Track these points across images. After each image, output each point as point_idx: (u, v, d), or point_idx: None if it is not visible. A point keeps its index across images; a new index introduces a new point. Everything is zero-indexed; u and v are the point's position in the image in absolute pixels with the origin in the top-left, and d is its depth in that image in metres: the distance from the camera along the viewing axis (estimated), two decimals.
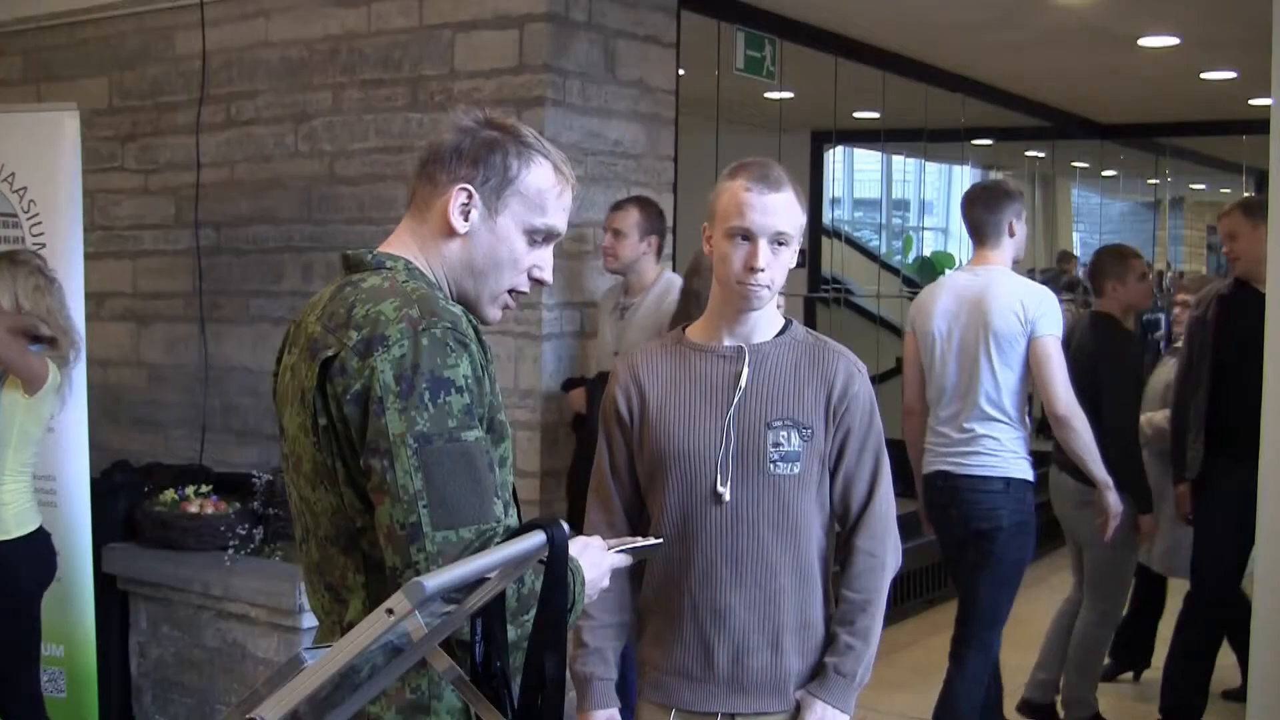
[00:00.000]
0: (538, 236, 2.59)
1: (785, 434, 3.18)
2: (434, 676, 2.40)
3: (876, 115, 11.38)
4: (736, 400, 3.20)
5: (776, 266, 3.16)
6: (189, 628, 5.88)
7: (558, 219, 2.61)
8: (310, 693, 1.93)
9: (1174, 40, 8.92)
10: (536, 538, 2.22)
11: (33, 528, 5.24)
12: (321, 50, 6.66)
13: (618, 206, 6.01)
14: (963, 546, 5.62)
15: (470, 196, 2.53)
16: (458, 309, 2.45)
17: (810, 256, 12.72)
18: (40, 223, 5.94)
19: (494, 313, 2.62)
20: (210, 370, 7.03)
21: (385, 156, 6.46)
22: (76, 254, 5.79)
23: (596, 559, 2.55)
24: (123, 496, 6.25)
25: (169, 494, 6.11)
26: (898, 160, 14.64)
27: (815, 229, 12.95)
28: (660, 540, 2.96)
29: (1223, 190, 19.04)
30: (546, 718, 2.31)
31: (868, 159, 14.64)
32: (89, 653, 5.74)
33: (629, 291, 6.05)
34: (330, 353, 2.37)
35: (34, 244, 5.83)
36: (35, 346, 5.20)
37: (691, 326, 3.38)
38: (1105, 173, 16.00)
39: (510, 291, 2.61)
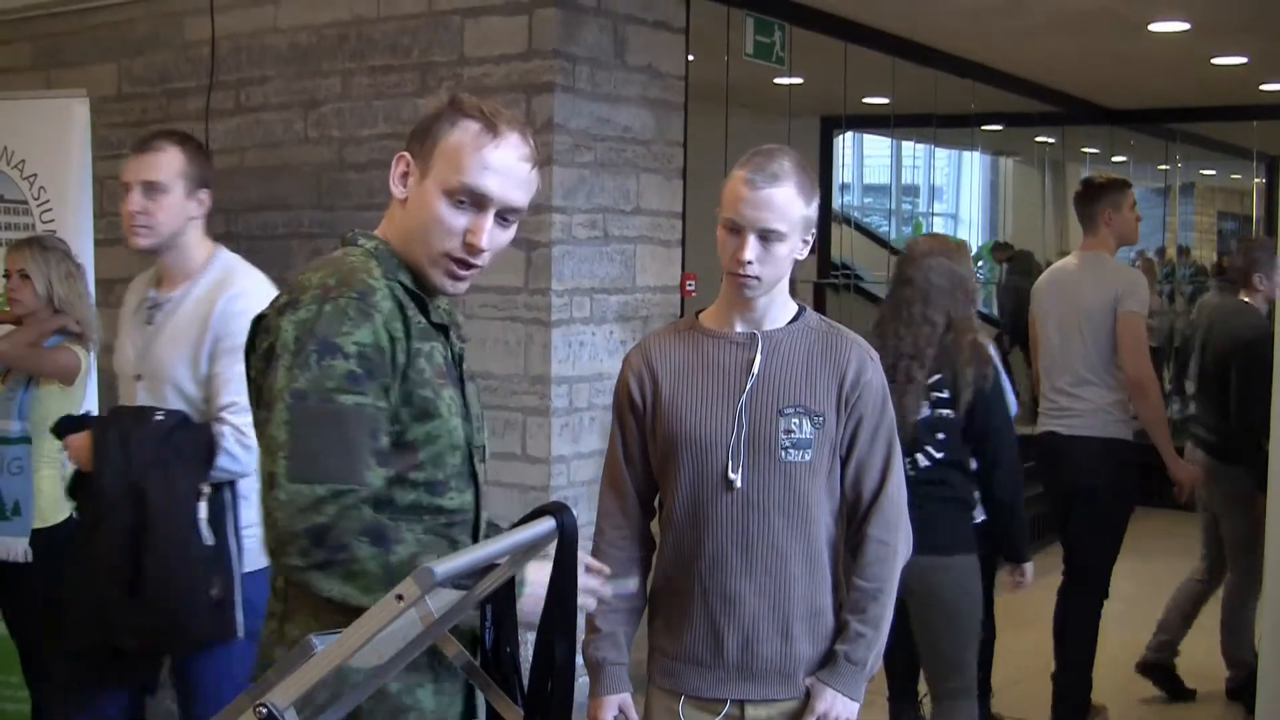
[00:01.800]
0: (460, 197, 2.57)
1: (797, 421, 3.18)
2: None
3: (886, 101, 11.38)
4: (749, 387, 3.20)
5: (767, 260, 3.14)
6: None
7: (479, 178, 2.57)
8: (319, 680, 1.93)
9: (1184, 25, 8.90)
10: (546, 524, 2.22)
11: (66, 514, 5.29)
12: (330, 36, 6.66)
13: (146, 146, 4.36)
14: (1069, 499, 6.28)
15: (408, 164, 2.62)
16: (380, 284, 2.50)
17: (820, 242, 12.73)
18: (50, 209, 5.95)
19: (440, 279, 2.62)
20: None
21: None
22: (86, 240, 5.80)
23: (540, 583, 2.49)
24: None
25: None
26: (907, 146, 14.65)
27: (825, 215, 12.95)
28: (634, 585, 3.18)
29: (1233, 176, 19.02)
30: (556, 703, 2.32)
31: (877, 145, 14.66)
32: None
33: (164, 281, 4.42)
34: (264, 312, 2.53)
35: (45, 230, 5.83)
36: (56, 338, 5.22)
37: (705, 312, 3.39)
38: (1115, 158, 15.96)
39: (456, 261, 2.60)
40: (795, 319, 3.30)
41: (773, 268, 3.16)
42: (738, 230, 3.13)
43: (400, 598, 1.92)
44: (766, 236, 3.12)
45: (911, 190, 15.49)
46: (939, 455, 4.92)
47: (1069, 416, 6.25)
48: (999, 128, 13.79)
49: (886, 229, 14.60)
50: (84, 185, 5.94)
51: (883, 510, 3.29)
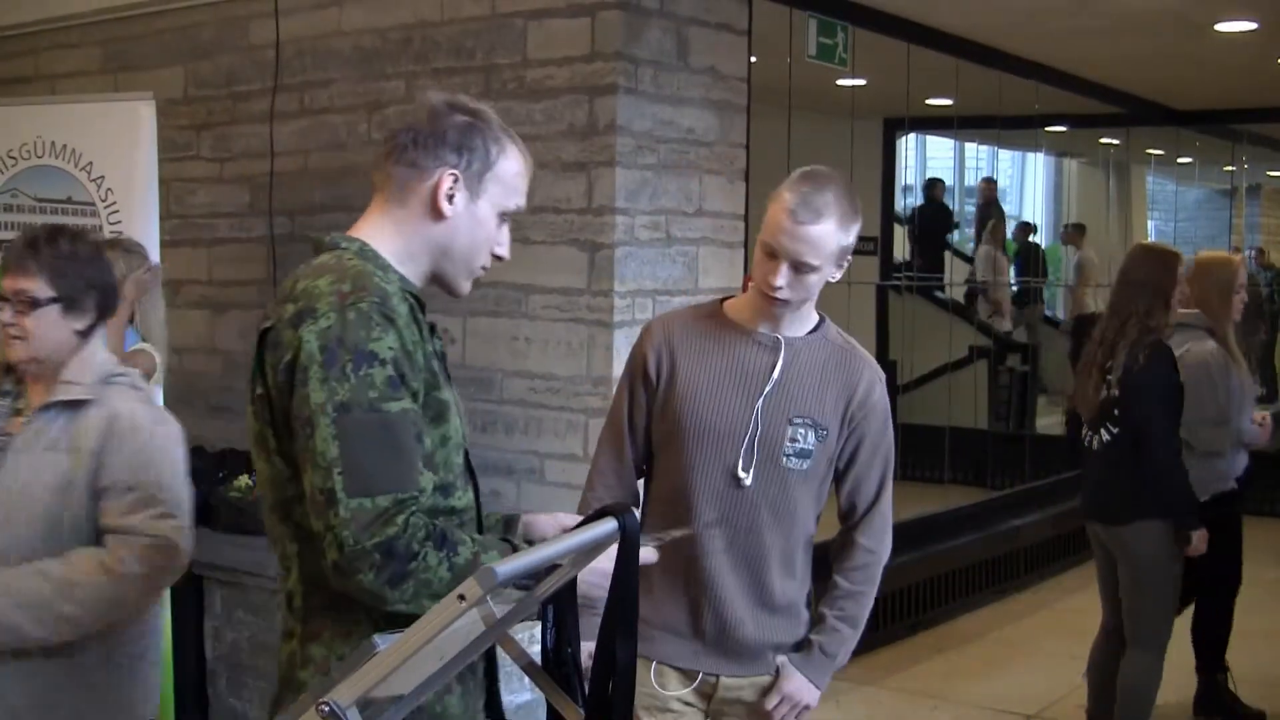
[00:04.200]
0: (506, 217, 2.66)
1: (804, 431, 3.32)
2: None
3: (950, 102, 11.32)
4: (767, 390, 3.30)
5: (798, 286, 3.25)
6: (263, 612, 5.92)
7: (523, 201, 2.69)
8: (382, 677, 1.94)
9: (1251, 25, 8.81)
10: (608, 525, 2.23)
11: None
12: (394, 39, 6.69)
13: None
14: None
15: (456, 181, 2.58)
16: (393, 287, 2.49)
17: (882, 245, 12.69)
18: (117, 211, 5.99)
19: (467, 286, 2.68)
20: None
21: None
22: (153, 242, 5.84)
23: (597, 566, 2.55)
24: (198, 482, 6.25)
25: (243, 480, 6.16)
26: (970, 147, 14.56)
27: (888, 217, 12.90)
28: (689, 532, 3.18)
29: None
30: (617, 703, 2.32)
31: (941, 146, 14.58)
32: (165, 637, 5.78)
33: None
34: (267, 324, 2.46)
35: (111, 232, 5.88)
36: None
37: (730, 303, 3.47)
38: (1181, 159, 15.85)
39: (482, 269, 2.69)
40: (815, 329, 3.40)
41: (803, 292, 3.27)
42: (774, 255, 3.22)
43: (462, 598, 1.93)
44: (800, 268, 3.22)
45: (972, 191, 15.40)
46: (1115, 430, 5.64)
47: None
48: (1063, 129, 13.69)
49: (949, 232, 14.51)
50: (150, 187, 5.98)
51: (874, 522, 3.49)
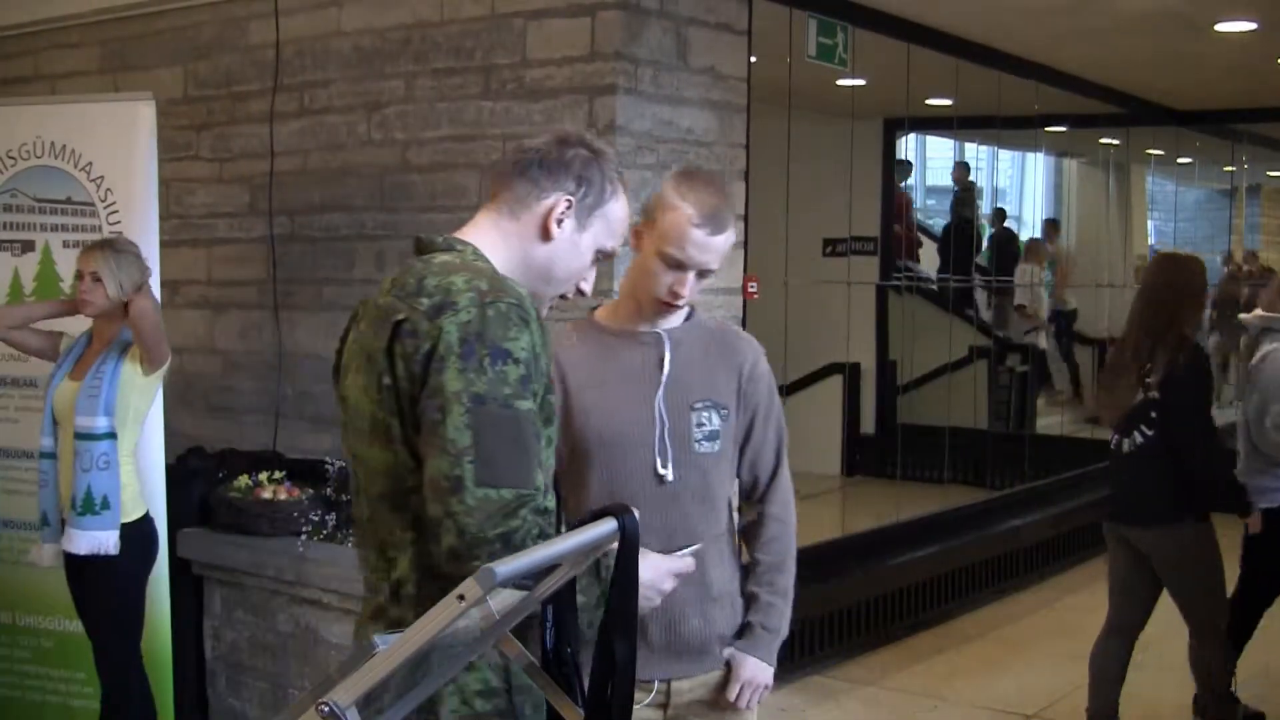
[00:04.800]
0: (600, 256, 2.77)
1: (707, 414, 3.37)
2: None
3: (949, 102, 11.32)
4: (663, 384, 3.35)
5: (695, 289, 3.33)
6: (262, 612, 5.93)
7: (619, 246, 2.82)
8: (383, 678, 1.94)
9: (1251, 25, 8.81)
10: (608, 525, 2.23)
11: (145, 510, 5.46)
12: (394, 39, 6.69)
13: None
14: None
15: (569, 207, 2.68)
16: (523, 290, 2.55)
17: (882, 245, 12.68)
18: (117, 211, 6.00)
19: (545, 310, 2.74)
20: (283, 357, 7.07)
21: (457, 145, 6.47)
22: (152, 242, 5.84)
23: (655, 561, 2.71)
24: (197, 482, 6.31)
25: (243, 480, 6.16)
26: (970, 148, 14.56)
27: (887, 217, 12.90)
28: (699, 546, 3.17)
29: None
30: (616, 704, 2.33)
31: (940, 146, 14.58)
32: (164, 637, 5.80)
33: None
34: (400, 316, 2.49)
35: (111, 232, 5.88)
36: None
37: (601, 310, 3.52)
38: (1180, 160, 15.84)
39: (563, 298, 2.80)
40: (689, 317, 3.46)
41: (696, 293, 3.36)
42: (680, 266, 3.27)
43: (462, 598, 1.93)
44: (703, 274, 3.31)
45: (976, 192, 15.39)
46: (1150, 433, 5.75)
47: None
48: (1063, 129, 13.68)
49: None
50: (150, 187, 5.99)
51: (779, 491, 3.55)
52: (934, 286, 13.28)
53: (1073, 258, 14.96)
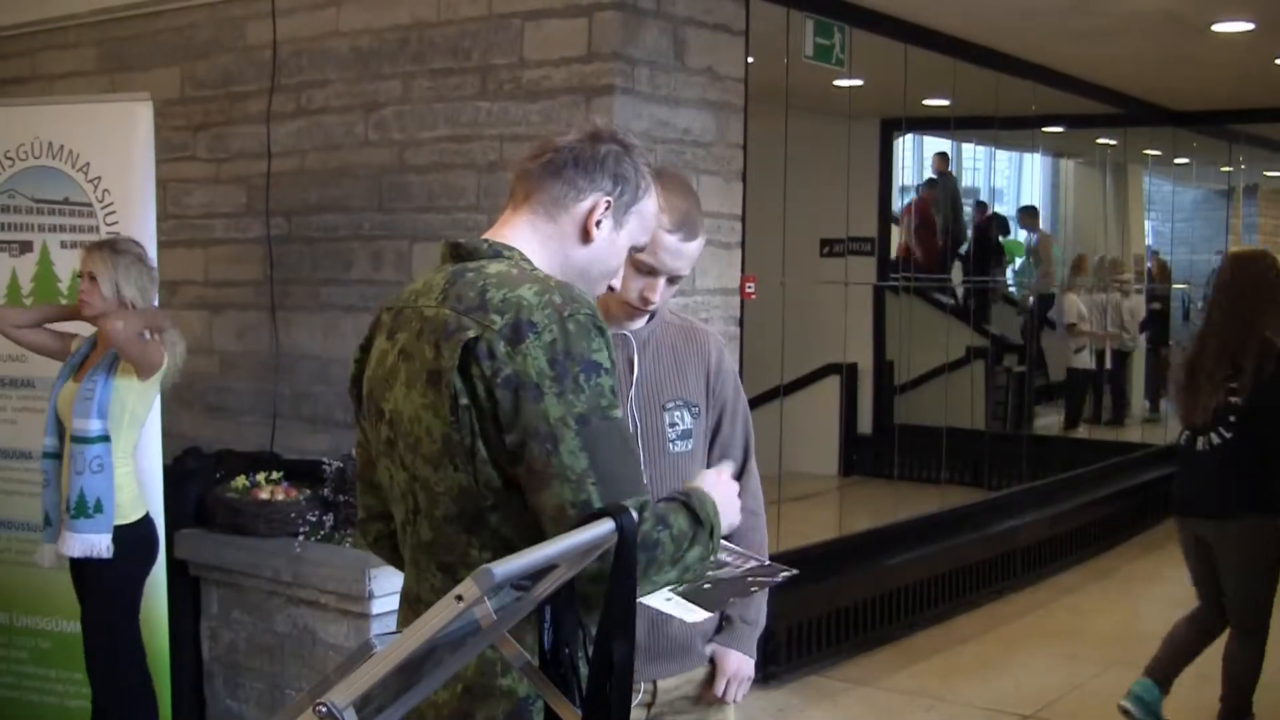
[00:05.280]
0: (633, 253, 2.75)
1: (680, 413, 3.39)
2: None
3: (947, 103, 11.32)
4: (633, 385, 3.34)
5: (666, 294, 3.33)
6: (260, 613, 5.93)
7: (649, 241, 2.81)
8: (380, 679, 1.94)
9: (1248, 25, 8.82)
10: (605, 525, 2.23)
11: (144, 512, 5.45)
12: (391, 40, 6.69)
13: None
14: None
15: (608, 208, 2.64)
16: (589, 295, 2.54)
17: (880, 246, 12.69)
18: (114, 212, 5.99)
19: None
20: (281, 358, 7.07)
21: (455, 145, 6.48)
22: (150, 243, 5.83)
23: (723, 488, 2.64)
24: (195, 483, 6.31)
25: (240, 480, 6.16)
26: (968, 148, 14.55)
27: (884, 217, 12.91)
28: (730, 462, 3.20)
29: None
30: (615, 704, 2.32)
31: (938, 147, 14.56)
32: (161, 637, 5.80)
33: None
34: (472, 334, 2.42)
35: (109, 233, 5.88)
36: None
37: None
38: (1178, 160, 15.82)
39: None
40: (651, 316, 3.43)
41: (667, 297, 3.36)
42: (652, 272, 3.26)
43: (460, 598, 1.93)
44: (674, 280, 3.31)
45: (972, 192, 15.38)
46: (1228, 435, 5.90)
47: None
48: (1060, 129, 13.69)
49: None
50: (147, 188, 5.99)
51: (749, 484, 3.50)
52: (947, 298, 13.25)
53: (1051, 245, 14.94)
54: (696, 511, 2.47)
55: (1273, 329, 5.89)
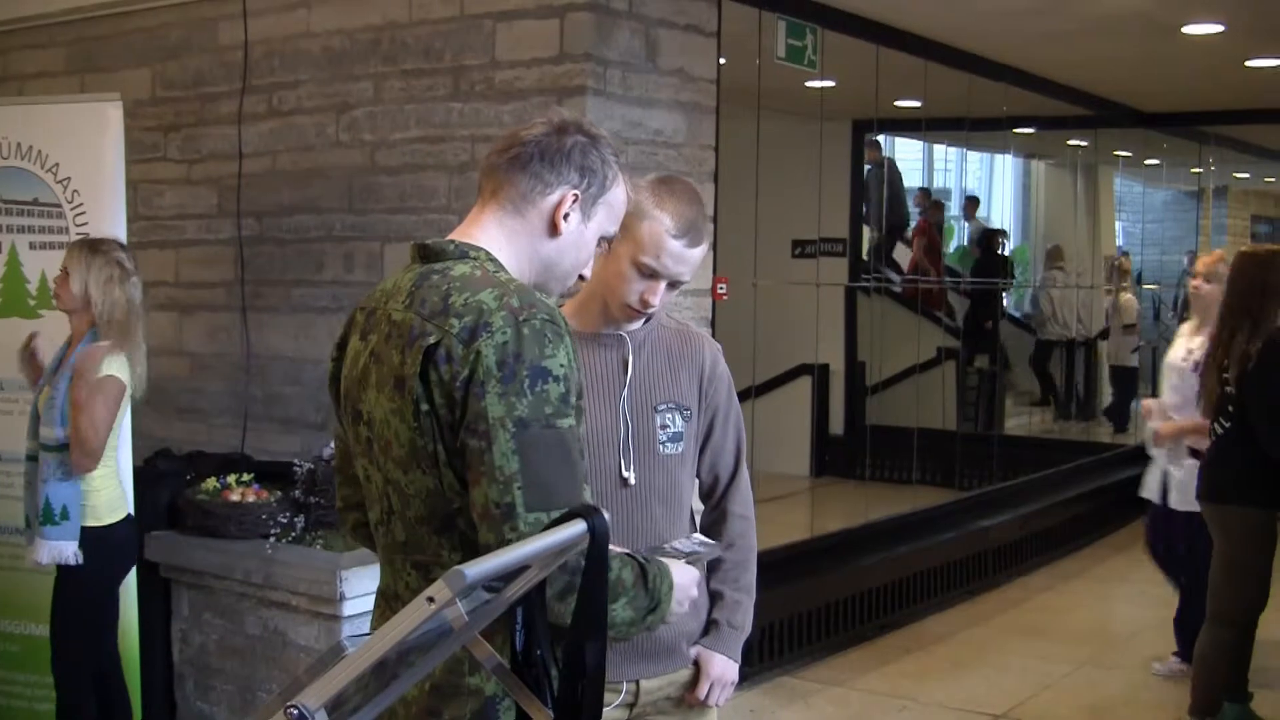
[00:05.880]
0: (603, 244, 2.75)
1: (670, 416, 3.39)
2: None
3: (918, 104, 11.36)
4: (627, 386, 3.35)
5: (667, 298, 3.35)
6: (231, 615, 5.91)
7: (618, 231, 2.80)
8: (351, 680, 1.93)
9: (1218, 27, 8.86)
10: (577, 527, 2.23)
11: (123, 514, 5.40)
12: (363, 40, 6.68)
13: None
14: None
15: (575, 201, 2.64)
16: (551, 302, 2.54)
17: (851, 246, 12.71)
18: (84, 213, 5.97)
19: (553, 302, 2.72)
20: (252, 359, 7.05)
21: (426, 146, 6.47)
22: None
23: (686, 580, 2.74)
24: (166, 484, 6.28)
25: (211, 482, 6.14)
26: (939, 149, 14.60)
27: (856, 218, 12.93)
28: (718, 544, 3.31)
29: (1267, 179, 18.95)
30: (586, 707, 2.32)
31: (909, 148, 14.61)
32: (131, 640, 5.77)
33: None
34: (432, 340, 2.44)
35: (78, 234, 5.85)
36: (89, 336, 5.27)
37: (563, 310, 3.47)
38: (1148, 161, 15.90)
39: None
40: (648, 318, 3.44)
41: (666, 301, 3.37)
42: (654, 276, 3.27)
43: (431, 600, 1.93)
44: (675, 284, 3.32)
45: (943, 193, 15.45)
46: (1226, 424, 6.09)
47: None
48: (1032, 130, 13.74)
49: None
50: (117, 189, 5.96)
51: (740, 489, 3.57)
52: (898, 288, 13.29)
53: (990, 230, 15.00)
54: (648, 577, 2.51)
55: (1273, 323, 6.02)
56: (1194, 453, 6.59)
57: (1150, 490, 7.12)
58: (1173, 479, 6.91)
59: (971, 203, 15.58)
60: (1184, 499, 6.70)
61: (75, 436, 5.16)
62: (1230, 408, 6.05)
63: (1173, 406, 6.91)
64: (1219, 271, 6.69)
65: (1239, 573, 6.09)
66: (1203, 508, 6.23)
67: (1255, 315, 6.02)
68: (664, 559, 2.68)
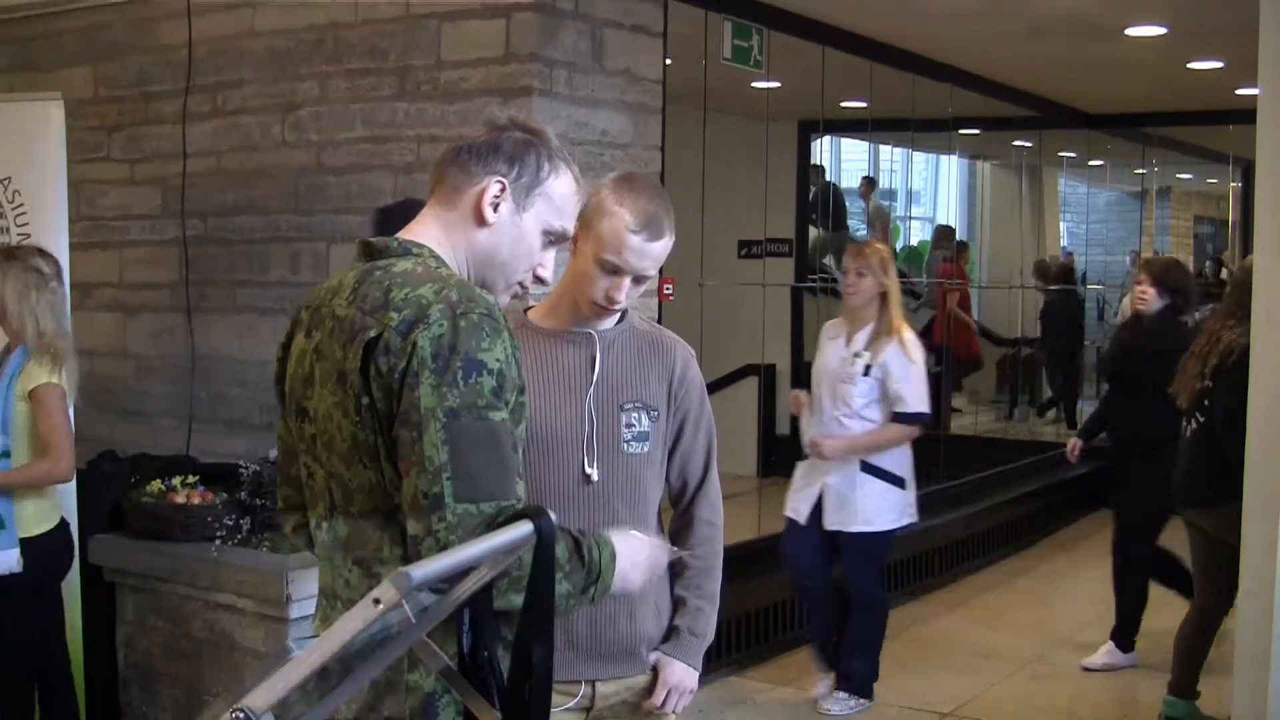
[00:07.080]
0: (552, 237, 2.73)
1: (636, 415, 3.40)
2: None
3: (864, 105, 11.38)
4: (593, 384, 3.38)
5: (632, 294, 3.37)
6: (176, 619, 5.87)
7: (571, 224, 2.78)
8: (297, 683, 1.92)
9: (1161, 30, 8.92)
10: (524, 528, 2.23)
11: (51, 524, 5.31)
12: (308, 40, 6.65)
13: None
14: None
15: (503, 190, 2.65)
16: (491, 296, 2.56)
17: (796, 246, 12.73)
18: (25, 214, 5.92)
19: (506, 299, 2.74)
20: (197, 361, 7.01)
21: (372, 146, 6.45)
22: (62, 245, 5.77)
23: (633, 545, 2.68)
24: (109, 487, 6.23)
25: (156, 484, 6.09)
26: (885, 150, 14.63)
27: (802, 219, 12.94)
28: (678, 550, 3.32)
29: (1209, 181, 19.06)
30: (534, 707, 2.32)
31: (855, 148, 14.63)
32: (75, 644, 5.73)
33: None
34: (372, 334, 2.46)
35: (19, 235, 5.81)
36: (18, 355, 5.17)
37: (534, 310, 3.54)
38: (1092, 162, 15.99)
39: (523, 286, 2.77)
40: (622, 319, 3.48)
41: (634, 298, 3.39)
42: (617, 272, 3.30)
43: (377, 602, 1.92)
44: (640, 280, 3.35)
45: (889, 194, 15.46)
46: (1201, 419, 6.13)
47: None
48: (976, 132, 13.80)
49: (863, 233, 14.56)
50: (59, 189, 5.92)
51: (708, 494, 3.58)
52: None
53: (884, 210, 14.96)
54: (583, 551, 2.50)
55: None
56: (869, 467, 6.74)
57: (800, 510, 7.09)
58: (830, 493, 6.97)
59: (866, 183, 15.56)
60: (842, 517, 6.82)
61: (50, 455, 5.12)
62: (1206, 402, 6.06)
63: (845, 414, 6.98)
64: (873, 264, 6.59)
65: (1226, 569, 6.11)
66: (1200, 513, 6.21)
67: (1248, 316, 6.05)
68: (609, 531, 2.66)
